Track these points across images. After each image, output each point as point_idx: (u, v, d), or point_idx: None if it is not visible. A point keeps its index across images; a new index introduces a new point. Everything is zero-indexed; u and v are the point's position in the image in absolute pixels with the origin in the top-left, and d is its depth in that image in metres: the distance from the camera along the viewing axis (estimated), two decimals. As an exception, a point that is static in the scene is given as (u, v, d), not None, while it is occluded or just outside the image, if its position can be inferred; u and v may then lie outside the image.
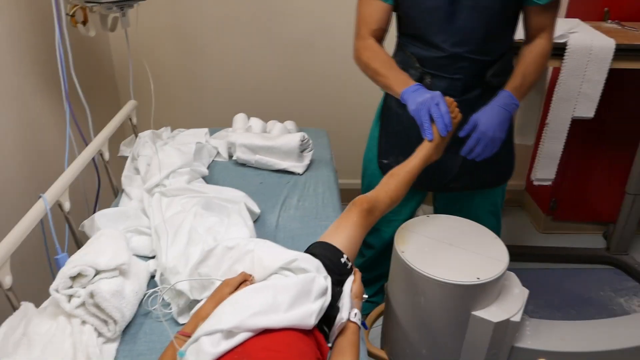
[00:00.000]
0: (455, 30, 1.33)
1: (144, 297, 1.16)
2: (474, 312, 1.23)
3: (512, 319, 1.24)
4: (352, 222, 1.11)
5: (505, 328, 1.25)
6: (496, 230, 1.53)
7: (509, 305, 1.27)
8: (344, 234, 1.10)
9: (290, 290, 0.92)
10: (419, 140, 1.48)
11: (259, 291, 0.94)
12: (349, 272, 1.06)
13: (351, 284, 1.05)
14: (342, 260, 1.05)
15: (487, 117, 1.30)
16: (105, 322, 1.04)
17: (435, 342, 1.31)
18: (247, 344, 0.84)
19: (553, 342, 1.35)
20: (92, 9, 1.69)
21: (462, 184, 1.57)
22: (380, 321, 1.58)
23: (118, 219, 1.38)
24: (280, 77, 2.53)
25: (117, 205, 1.52)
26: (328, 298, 0.97)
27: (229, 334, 0.84)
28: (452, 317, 1.26)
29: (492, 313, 1.24)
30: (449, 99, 1.33)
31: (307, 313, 0.91)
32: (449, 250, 1.29)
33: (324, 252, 1.06)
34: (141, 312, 1.14)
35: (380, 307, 1.56)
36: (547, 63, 1.46)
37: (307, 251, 1.07)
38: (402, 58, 1.49)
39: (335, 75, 2.54)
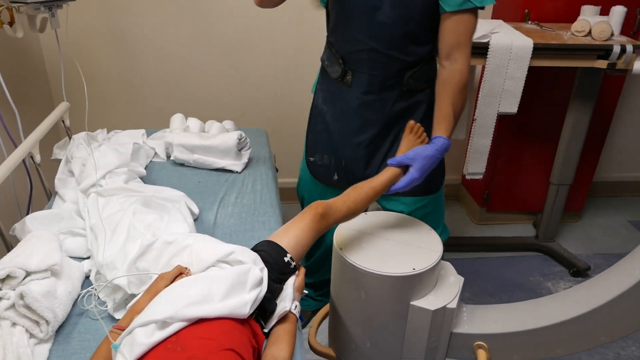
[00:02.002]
0: (375, 25, 1.37)
1: (78, 297, 1.15)
2: (412, 302, 1.28)
3: (448, 306, 1.29)
4: (303, 225, 1.13)
5: (443, 315, 1.30)
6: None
7: (445, 293, 1.31)
8: (292, 234, 1.12)
9: (225, 281, 0.95)
10: (340, 138, 1.54)
11: (194, 282, 0.95)
12: (292, 272, 1.08)
13: (294, 278, 1.08)
14: (286, 259, 1.07)
15: (424, 166, 1.30)
16: (36, 323, 1.03)
17: (378, 334, 1.35)
18: (181, 334, 0.86)
19: (488, 326, 1.41)
20: (19, 10, 1.65)
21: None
22: (327, 322, 1.60)
23: (51, 222, 1.35)
24: (218, 78, 2.54)
25: (50, 208, 1.49)
26: (264, 289, 0.99)
27: (163, 324, 0.86)
28: (392, 308, 1.29)
29: (430, 301, 1.28)
30: (415, 124, 1.38)
31: (242, 302, 0.94)
32: (386, 245, 1.33)
33: (267, 249, 1.08)
34: (75, 312, 1.13)
35: (327, 307, 1.59)
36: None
37: (253, 249, 1.08)
38: (328, 55, 1.54)
39: (273, 76, 2.57)
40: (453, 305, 1.30)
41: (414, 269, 1.23)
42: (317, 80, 1.65)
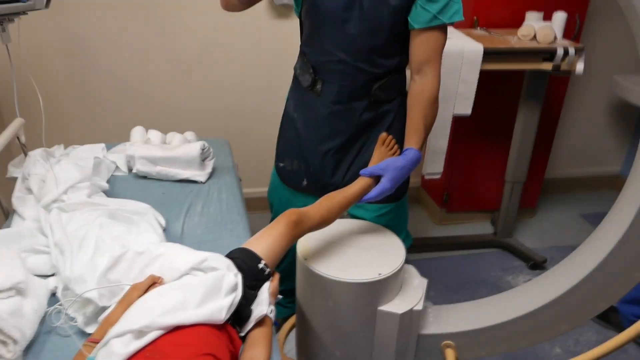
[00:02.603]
0: (344, 37, 1.41)
1: (45, 314, 1.12)
2: (379, 307, 1.30)
3: (415, 308, 1.32)
4: (276, 232, 1.14)
5: (410, 318, 1.33)
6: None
7: (410, 296, 1.34)
8: (266, 241, 1.12)
9: (199, 288, 0.95)
10: (309, 145, 1.57)
11: (169, 290, 0.95)
12: (266, 278, 1.09)
13: (269, 284, 1.09)
14: (260, 265, 1.07)
15: (395, 177, 1.33)
16: (4, 343, 1.00)
17: (347, 342, 1.36)
18: (158, 342, 0.85)
19: (454, 324, 1.44)
20: (-32, 24, 1.60)
21: None
22: (294, 333, 1.61)
23: (11, 240, 1.31)
24: (177, 89, 2.52)
25: (9, 227, 1.44)
26: (239, 294, 1.00)
27: (140, 333, 0.85)
28: (359, 315, 1.31)
29: (396, 305, 1.31)
30: (388, 136, 1.42)
31: (218, 308, 0.94)
32: (350, 252, 1.35)
33: (241, 256, 1.08)
34: (43, 330, 1.10)
35: (293, 319, 1.59)
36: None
37: (227, 256, 1.08)
38: (300, 64, 1.57)
39: (232, 86, 2.57)
40: (419, 307, 1.33)
41: (379, 274, 1.25)
42: (290, 87, 1.67)
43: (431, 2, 1.33)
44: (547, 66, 2.10)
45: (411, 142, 1.40)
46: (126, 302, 0.95)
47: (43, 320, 1.12)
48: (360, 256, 1.33)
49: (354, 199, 1.33)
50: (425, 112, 1.42)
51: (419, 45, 1.40)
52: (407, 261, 1.46)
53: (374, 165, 1.38)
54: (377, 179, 1.36)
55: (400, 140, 1.54)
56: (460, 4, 1.36)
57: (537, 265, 2.52)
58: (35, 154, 1.68)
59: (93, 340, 0.91)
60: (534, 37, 2.13)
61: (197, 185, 1.75)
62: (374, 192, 1.32)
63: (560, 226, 2.92)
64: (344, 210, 1.32)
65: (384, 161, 1.36)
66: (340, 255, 1.33)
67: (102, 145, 1.92)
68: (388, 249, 1.37)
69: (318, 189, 1.60)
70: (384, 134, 1.44)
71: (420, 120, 1.41)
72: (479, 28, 2.37)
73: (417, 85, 1.43)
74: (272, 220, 1.82)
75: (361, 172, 1.37)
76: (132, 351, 0.83)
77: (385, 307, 1.30)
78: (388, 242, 1.40)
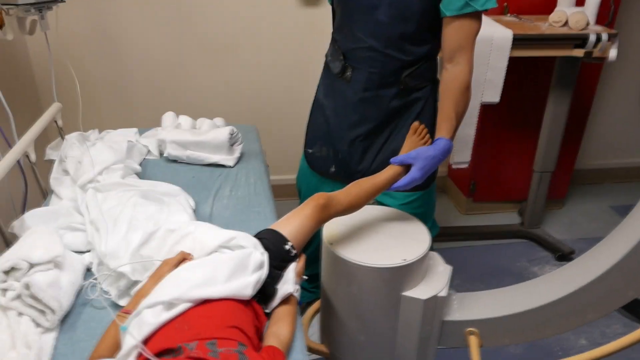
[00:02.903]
0: (374, 23, 1.41)
1: (81, 288, 1.18)
2: (403, 293, 1.29)
3: (439, 295, 1.31)
4: (304, 214, 1.16)
5: (434, 304, 1.32)
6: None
7: (435, 283, 1.34)
8: (293, 224, 1.15)
9: (227, 264, 0.99)
10: (338, 131, 1.58)
11: (199, 266, 0.99)
12: (292, 259, 1.11)
13: (296, 264, 1.12)
14: (286, 247, 1.10)
15: (425, 167, 1.33)
16: (42, 312, 1.05)
17: (371, 327, 1.37)
18: (187, 313, 0.90)
19: (478, 311, 1.43)
20: (9, 12, 1.66)
21: None
22: (317, 318, 1.62)
23: (49, 218, 1.37)
24: (207, 77, 2.57)
25: (47, 206, 1.51)
26: (265, 271, 1.03)
27: (170, 305, 0.90)
28: (384, 300, 1.31)
29: (421, 291, 1.30)
30: (420, 125, 1.41)
31: (245, 284, 0.98)
32: (375, 238, 1.35)
33: (268, 237, 1.11)
34: (79, 303, 1.15)
35: (317, 304, 1.59)
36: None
37: (255, 236, 1.11)
38: (331, 51, 1.58)
39: (261, 74, 2.61)
40: (444, 293, 1.32)
41: (404, 260, 1.25)
42: (321, 74, 1.68)
43: None
44: (579, 53, 2.06)
45: (442, 131, 1.39)
46: (157, 277, 1.00)
47: (79, 294, 1.17)
48: (385, 242, 1.34)
49: (382, 187, 1.33)
50: (457, 100, 1.40)
51: (452, 33, 1.38)
52: (432, 250, 1.47)
53: (404, 154, 1.37)
54: (407, 167, 1.35)
55: (430, 128, 1.54)
56: None
57: (564, 256, 2.49)
58: (72, 137, 1.75)
59: (126, 312, 0.96)
60: (566, 23, 2.09)
61: (225, 170, 1.79)
62: (403, 180, 1.32)
63: (589, 218, 2.87)
64: (372, 198, 1.32)
65: (414, 150, 1.35)
66: (366, 240, 1.34)
67: (135, 129, 1.98)
68: (413, 235, 1.37)
69: (346, 175, 1.62)
70: (416, 123, 1.43)
71: (452, 109, 1.39)
72: (508, 14, 2.34)
73: (449, 73, 1.41)
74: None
75: (391, 160, 1.37)
76: (163, 321, 0.87)
77: (410, 293, 1.30)
78: (413, 229, 1.41)
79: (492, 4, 1.35)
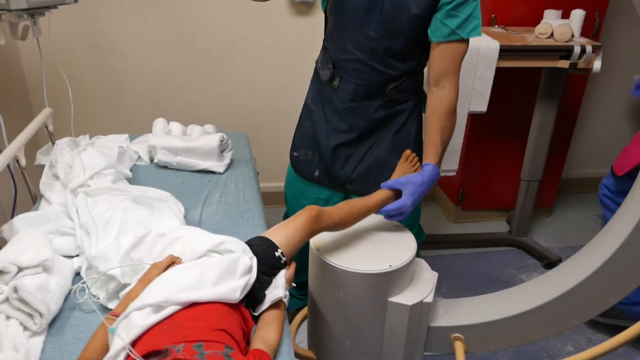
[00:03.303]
0: (363, 37, 1.44)
1: (70, 292, 1.18)
2: (390, 299, 1.32)
3: (425, 300, 1.33)
4: (295, 224, 1.18)
5: (420, 310, 1.34)
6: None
7: (421, 289, 1.36)
8: (284, 232, 1.17)
9: (216, 268, 1.00)
10: (324, 135, 1.61)
11: (187, 269, 1.01)
12: (282, 267, 1.14)
13: (286, 271, 1.14)
14: (277, 254, 1.12)
15: (415, 193, 1.36)
16: (30, 315, 1.06)
17: (358, 333, 1.38)
18: (175, 316, 0.91)
19: (463, 317, 1.46)
20: (1, 17, 1.67)
21: (357, 188, 1.64)
22: (305, 325, 1.63)
23: (39, 222, 1.37)
24: (198, 83, 2.58)
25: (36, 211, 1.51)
26: (253, 275, 1.05)
27: (158, 307, 0.91)
28: (370, 306, 1.33)
29: (407, 297, 1.33)
30: (411, 154, 1.45)
31: (232, 288, 0.99)
32: (361, 244, 1.38)
33: (258, 243, 1.14)
34: (67, 307, 1.15)
35: (305, 311, 1.61)
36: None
37: (246, 243, 1.13)
38: (321, 58, 1.61)
39: (252, 82, 2.63)
40: (429, 299, 1.34)
41: (390, 266, 1.27)
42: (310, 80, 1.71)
43: (450, 17, 1.35)
44: (564, 64, 2.10)
45: (429, 157, 1.42)
46: (146, 280, 1.01)
47: (67, 298, 1.18)
48: (371, 248, 1.36)
49: (373, 208, 1.36)
50: (443, 125, 1.43)
51: (438, 58, 1.41)
52: (421, 258, 1.49)
53: (395, 179, 1.41)
54: (397, 192, 1.39)
55: (414, 140, 1.56)
56: (479, 19, 1.37)
57: (551, 264, 2.51)
58: (62, 143, 1.75)
59: (114, 314, 0.97)
60: (551, 35, 2.13)
61: (215, 176, 1.80)
62: (393, 205, 1.36)
63: (576, 226, 2.91)
64: (362, 217, 1.36)
65: (404, 176, 1.39)
66: (352, 247, 1.36)
67: (126, 135, 1.99)
68: (399, 242, 1.39)
69: (329, 180, 1.65)
70: (407, 151, 1.47)
71: (438, 134, 1.43)
72: (496, 26, 2.38)
73: (435, 97, 1.44)
74: (286, 211, 1.87)
75: (382, 185, 1.41)
76: (151, 323, 0.88)
77: (396, 299, 1.32)
78: (400, 235, 1.43)
79: (477, 33, 1.38)
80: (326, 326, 1.42)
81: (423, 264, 1.47)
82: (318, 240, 1.36)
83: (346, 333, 1.39)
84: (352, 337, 1.40)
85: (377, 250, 1.35)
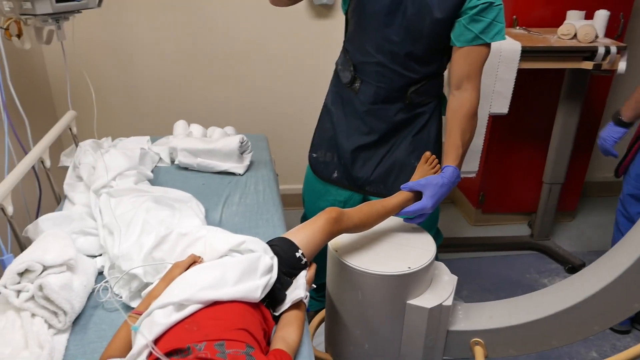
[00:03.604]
0: (384, 40, 1.43)
1: (93, 290, 1.20)
2: (409, 301, 1.30)
3: (444, 304, 1.32)
4: (316, 226, 1.19)
5: (439, 313, 1.33)
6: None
7: (440, 292, 1.35)
8: (305, 233, 1.17)
9: (237, 267, 1.00)
10: (344, 137, 1.61)
11: (209, 268, 1.01)
12: (303, 267, 1.14)
13: (306, 272, 1.14)
14: (297, 254, 1.12)
15: (435, 194, 1.36)
16: (55, 313, 1.07)
17: (376, 335, 1.37)
18: (196, 315, 0.91)
19: (483, 322, 1.43)
20: (27, 22, 1.70)
21: (376, 189, 1.63)
22: (322, 328, 1.63)
23: (62, 223, 1.40)
24: (218, 86, 2.60)
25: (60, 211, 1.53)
26: (274, 275, 1.05)
27: (180, 306, 0.91)
28: (389, 308, 1.32)
29: (426, 300, 1.31)
30: (431, 155, 1.46)
31: (254, 287, 0.99)
32: (380, 246, 1.37)
33: (279, 244, 1.14)
34: (90, 305, 1.17)
35: (322, 314, 1.60)
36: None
37: (267, 243, 1.13)
38: (342, 60, 1.61)
39: (272, 85, 2.64)
40: (449, 302, 1.33)
41: (409, 268, 1.26)
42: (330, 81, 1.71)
43: (474, 22, 1.34)
44: (588, 65, 2.07)
45: (449, 159, 1.42)
46: (168, 279, 1.02)
47: (91, 296, 1.19)
48: (390, 250, 1.35)
49: (392, 210, 1.36)
50: (464, 128, 1.43)
51: (460, 61, 1.41)
52: (441, 260, 1.47)
53: (414, 181, 1.41)
54: (416, 194, 1.39)
55: (433, 141, 1.55)
56: (503, 23, 1.36)
57: (574, 268, 2.47)
58: (86, 145, 1.78)
59: (137, 312, 0.98)
60: (574, 36, 2.10)
61: (235, 177, 1.81)
62: (414, 206, 1.36)
63: (599, 230, 2.85)
64: (382, 219, 1.36)
65: (424, 178, 1.40)
66: (371, 248, 1.35)
67: (147, 137, 2.01)
68: (419, 244, 1.38)
69: (348, 182, 1.64)
70: (427, 153, 1.47)
71: (458, 137, 1.42)
72: (517, 27, 2.35)
73: (456, 100, 1.44)
74: (304, 213, 1.87)
75: (402, 186, 1.41)
76: (173, 322, 0.89)
77: (415, 302, 1.31)
78: (419, 238, 1.41)
79: (501, 37, 1.37)
80: (344, 328, 1.41)
81: (442, 267, 1.45)
82: (336, 241, 1.35)
83: (364, 335, 1.39)
84: (370, 339, 1.39)
85: (396, 252, 1.34)
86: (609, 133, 1.99)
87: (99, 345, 1.06)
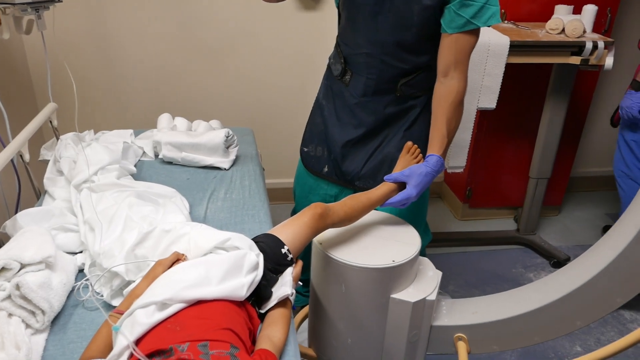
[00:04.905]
0: (373, 30, 1.41)
1: (73, 289, 1.17)
2: (392, 295, 1.30)
3: (428, 298, 1.31)
4: (301, 222, 1.18)
5: (423, 307, 1.32)
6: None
7: (424, 286, 1.34)
8: (290, 229, 1.16)
9: (222, 265, 0.98)
10: (335, 131, 1.59)
11: (192, 266, 0.99)
12: (289, 264, 1.12)
13: (292, 268, 1.12)
14: (283, 250, 1.11)
15: (420, 183, 1.36)
16: (32, 313, 1.04)
17: (359, 329, 1.36)
18: (179, 314, 0.89)
19: (467, 317, 1.44)
20: (5, 11, 1.65)
21: (366, 184, 1.61)
22: (305, 324, 1.62)
23: (42, 218, 1.36)
24: (204, 79, 2.56)
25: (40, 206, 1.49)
26: (260, 272, 1.03)
27: (163, 305, 0.89)
28: (372, 301, 1.31)
29: (410, 294, 1.31)
30: (413, 145, 1.45)
31: (239, 285, 0.97)
32: (365, 239, 1.36)
33: (265, 240, 1.12)
34: (70, 304, 1.14)
35: (306, 309, 1.59)
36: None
37: (252, 240, 1.12)
38: (334, 54, 1.59)
39: (258, 77, 2.60)
40: (432, 297, 1.33)
41: (393, 261, 1.25)
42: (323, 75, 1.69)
43: (465, 7, 1.31)
44: (575, 60, 2.07)
45: (434, 148, 1.41)
46: (151, 277, 0.99)
47: (70, 295, 1.16)
48: (375, 244, 1.34)
49: (377, 202, 1.36)
50: (449, 116, 1.41)
51: (448, 48, 1.38)
52: (428, 255, 1.46)
53: (398, 171, 1.40)
54: (400, 185, 1.39)
55: (425, 137, 1.54)
56: (496, 6, 1.33)
57: (559, 263, 2.48)
58: (67, 138, 1.74)
59: (118, 312, 0.95)
60: (563, 30, 2.10)
61: (220, 172, 1.79)
62: (398, 196, 1.36)
63: (585, 225, 2.87)
64: (367, 211, 1.35)
65: (407, 168, 1.39)
66: (355, 242, 1.34)
67: (131, 131, 1.97)
68: (403, 238, 1.37)
69: (338, 176, 1.63)
70: (409, 143, 1.46)
71: (444, 125, 1.41)
72: (505, 21, 2.34)
73: (443, 87, 1.42)
74: (294, 208, 1.85)
75: (385, 177, 1.40)
76: (155, 321, 0.86)
77: (398, 295, 1.30)
78: (404, 232, 1.41)
79: (496, 20, 1.34)
80: (327, 322, 1.40)
81: (427, 263, 1.45)
82: (321, 235, 1.34)
83: (347, 330, 1.38)
84: (353, 334, 1.38)
85: (381, 246, 1.34)
86: (633, 101, 2.03)
87: (79, 346, 1.03)
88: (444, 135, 1.41)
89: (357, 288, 1.29)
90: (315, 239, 1.33)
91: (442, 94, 1.42)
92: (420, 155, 1.46)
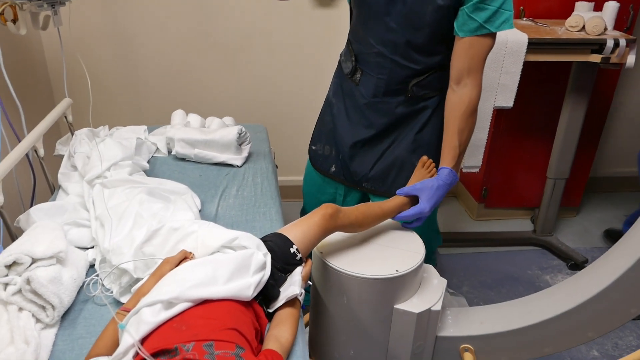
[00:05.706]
0: (384, 29, 1.38)
1: (83, 284, 1.17)
2: (396, 306, 1.26)
3: (433, 309, 1.27)
4: (312, 222, 1.17)
5: (428, 318, 1.29)
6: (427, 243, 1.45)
7: (429, 296, 1.30)
8: (300, 229, 1.15)
9: (229, 264, 0.97)
10: (344, 131, 1.57)
11: (199, 265, 0.98)
12: (297, 263, 1.11)
13: (302, 268, 1.11)
14: (292, 250, 1.10)
15: (432, 197, 1.35)
16: (43, 308, 1.05)
17: (361, 341, 1.32)
18: (185, 313, 0.88)
19: (473, 327, 1.40)
20: (22, 7, 1.67)
21: (373, 186, 1.59)
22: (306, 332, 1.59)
23: (55, 213, 1.37)
24: (218, 75, 2.56)
25: (53, 201, 1.51)
26: (267, 272, 1.02)
27: (169, 304, 0.88)
28: (375, 312, 1.27)
29: (414, 304, 1.27)
30: (428, 159, 1.45)
31: (245, 285, 0.96)
32: (367, 247, 1.33)
33: (273, 239, 1.11)
34: (80, 299, 1.15)
35: (306, 317, 1.55)
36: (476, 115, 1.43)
37: (261, 239, 1.11)
38: (345, 51, 1.57)
39: (273, 75, 2.60)
40: (437, 307, 1.29)
41: (397, 271, 1.22)
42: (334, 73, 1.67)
43: (479, 10, 1.27)
44: (596, 58, 2.02)
45: (446, 160, 1.39)
46: (158, 275, 0.99)
47: (81, 290, 1.17)
48: (377, 252, 1.31)
49: (389, 213, 1.35)
50: (462, 127, 1.38)
51: (461, 54, 1.34)
52: (442, 255, 1.42)
53: (410, 185, 1.39)
54: (413, 198, 1.37)
55: (437, 140, 1.51)
56: (511, 11, 1.29)
57: (577, 265, 2.44)
58: (81, 133, 1.76)
59: (125, 309, 0.95)
60: (583, 28, 2.05)
61: (233, 169, 1.78)
62: (411, 211, 1.35)
63: (604, 226, 2.81)
64: (378, 221, 1.34)
65: (419, 182, 1.38)
66: (357, 250, 1.31)
67: (144, 127, 1.98)
68: (407, 246, 1.33)
69: (345, 177, 1.61)
70: (424, 157, 1.45)
71: (455, 136, 1.38)
72: (524, 18, 2.30)
73: (456, 96, 1.38)
74: (303, 207, 1.84)
75: (397, 191, 1.39)
76: (161, 320, 0.86)
77: (402, 306, 1.27)
78: (408, 240, 1.37)
79: (509, 26, 1.30)
80: (328, 333, 1.37)
81: (432, 270, 1.41)
82: (322, 242, 1.29)
83: (349, 341, 1.34)
84: (355, 345, 1.35)
85: (384, 255, 1.30)
86: None
87: (88, 341, 1.04)
88: (455, 147, 1.39)
89: (359, 299, 1.26)
90: (316, 248, 1.29)
91: (454, 104, 1.39)
92: (435, 169, 1.44)
